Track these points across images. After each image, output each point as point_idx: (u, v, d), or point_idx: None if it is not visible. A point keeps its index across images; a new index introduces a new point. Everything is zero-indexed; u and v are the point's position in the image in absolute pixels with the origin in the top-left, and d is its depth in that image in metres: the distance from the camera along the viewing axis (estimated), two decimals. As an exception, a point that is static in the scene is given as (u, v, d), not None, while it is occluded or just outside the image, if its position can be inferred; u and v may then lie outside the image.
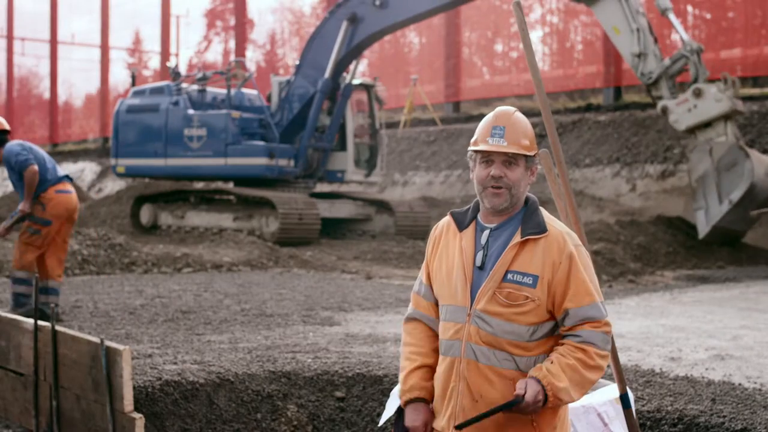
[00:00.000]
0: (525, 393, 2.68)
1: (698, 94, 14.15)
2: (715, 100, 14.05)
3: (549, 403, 2.71)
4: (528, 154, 2.83)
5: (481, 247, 2.85)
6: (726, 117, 14.18)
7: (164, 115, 18.34)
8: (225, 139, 17.51)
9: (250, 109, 18.46)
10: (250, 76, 18.76)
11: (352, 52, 17.42)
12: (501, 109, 2.92)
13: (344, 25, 16.98)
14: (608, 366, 5.39)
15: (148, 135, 18.62)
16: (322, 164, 18.29)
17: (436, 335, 2.98)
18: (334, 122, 17.98)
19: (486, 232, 2.86)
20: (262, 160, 17.13)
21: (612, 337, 3.44)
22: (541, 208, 2.90)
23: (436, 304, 2.99)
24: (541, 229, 2.81)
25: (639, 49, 14.47)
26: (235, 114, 17.61)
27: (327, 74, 17.26)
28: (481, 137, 2.86)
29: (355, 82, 18.61)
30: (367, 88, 18.96)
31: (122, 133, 19.11)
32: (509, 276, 2.78)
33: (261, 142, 17.43)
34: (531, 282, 2.76)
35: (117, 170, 19.61)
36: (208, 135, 17.74)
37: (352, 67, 18.05)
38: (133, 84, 20.34)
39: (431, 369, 2.96)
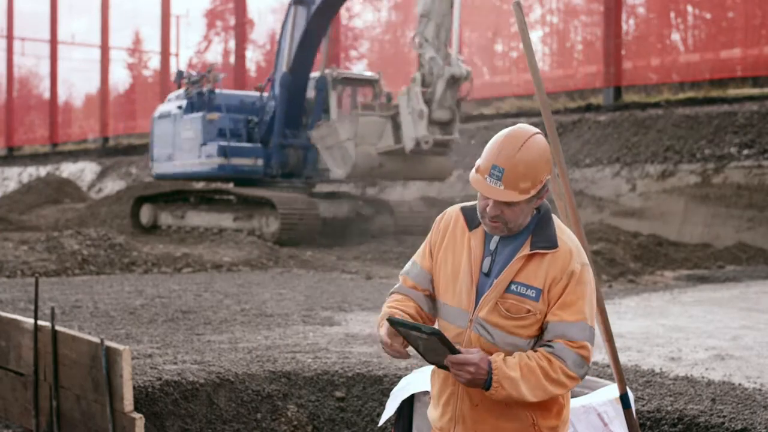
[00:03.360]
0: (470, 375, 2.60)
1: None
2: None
3: (492, 389, 2.62)
4: (524, 198, 2.69)
5: (489, 253, 2.80)
6: None
7: (173, 119, 19.06)
8: (199, 141, 18.06)
9: (255, 110, 18.50)
10: (218, 79, 18.91)
11: (309, 39, 17.32)
12: (510, 138, 2.71)
13: (292, 9, 17.17)
14: (608, 366, 5.42)
15: (165, 139, 19.38)
16: (308, 162, 18.16)
17: (421, 309, 2.88)
18: (313, 118, 17.80)
19: (496, 237, 2.80)
20: (217, 160, 17.57)
21: (612, 338, 3.45)
22: (555, 217, 2.82)
23: (427, 292, 2.89)
24: (552, 244, 2.73)
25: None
26: (212, 116, 17.95)
27: (284, 67, 17.32)
28: (483, 168, 2.73)
29: (355, 76, 18.63)
30: (371, 83, 18.76)
31: (154, 138, 19.99)
32: (513, 287, 2.73)
33: (222, 142, 17.70)
34: (534, 295, 2.71)
35: (152, 173, 20.53)
36: (192, 138, 18.31)
37: (321, 57, 17.99)
38: (179, 87, 20.43)
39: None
